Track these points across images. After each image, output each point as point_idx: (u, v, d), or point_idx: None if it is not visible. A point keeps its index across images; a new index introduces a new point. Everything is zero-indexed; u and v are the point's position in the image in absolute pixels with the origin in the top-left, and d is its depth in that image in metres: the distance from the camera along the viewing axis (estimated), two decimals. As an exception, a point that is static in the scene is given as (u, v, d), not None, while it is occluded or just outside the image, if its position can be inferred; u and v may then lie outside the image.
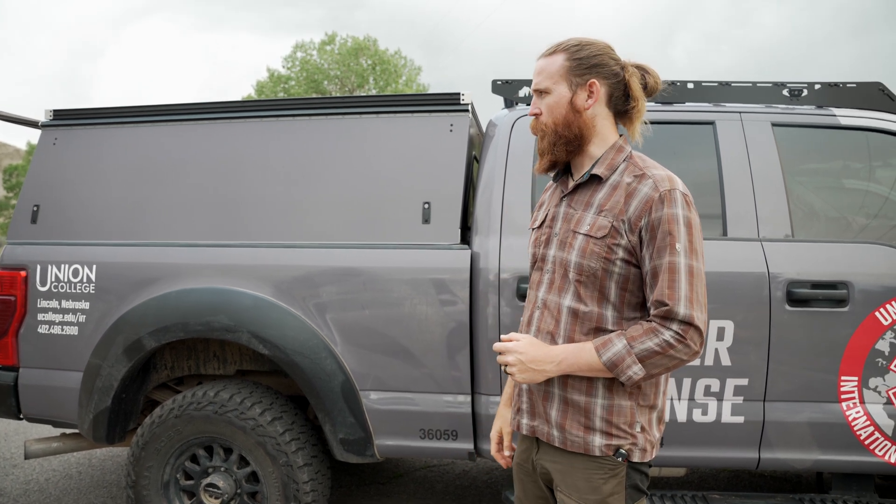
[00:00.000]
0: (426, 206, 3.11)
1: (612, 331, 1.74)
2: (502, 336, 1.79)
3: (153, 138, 3.42)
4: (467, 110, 3.22)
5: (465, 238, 3.14)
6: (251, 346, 3.01)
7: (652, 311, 1.68)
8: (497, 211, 3.07)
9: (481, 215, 3.10)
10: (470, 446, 3.02)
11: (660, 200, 1.69)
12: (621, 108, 1.86)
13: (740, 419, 2.87)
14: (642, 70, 1.84)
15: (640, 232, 1.70)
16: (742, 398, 2.87)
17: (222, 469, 3.15)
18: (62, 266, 3.28)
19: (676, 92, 3.27)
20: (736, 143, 3.05)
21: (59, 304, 3.27)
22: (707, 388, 2.88)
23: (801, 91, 3.17)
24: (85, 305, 3.24)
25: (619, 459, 1.73)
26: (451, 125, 3.20)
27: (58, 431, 4.67)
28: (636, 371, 1.66)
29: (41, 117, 3.59)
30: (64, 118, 3.53)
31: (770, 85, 3.20)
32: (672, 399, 2.89)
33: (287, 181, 3.25)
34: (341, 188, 3.19)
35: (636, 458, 1.74)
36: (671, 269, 1.66)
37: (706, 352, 2.86)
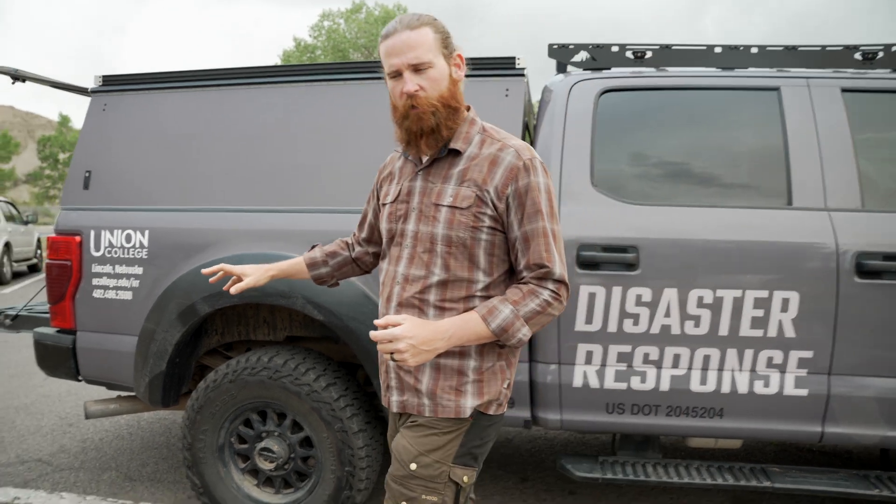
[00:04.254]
0: None
1: (482, 296, 1.75)
2: (377, 322, 1.58)
3: (204, 103, 3.24)
4: (523, 74, 3.02)
5: None
6: (305, 311, 2.86)
7: (528, 274, 1.73)
8: (556, 177, 2.88)
9: (539, 182, 2.92)
10: (527, 414, 2.87)
11: (524, 169, 1.71)
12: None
13: (804, 392, 2.69)
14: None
15: (508, 199, 1.72)
16: (806, 371, 2.69)
17: (276, 434, 3.02)
18: (115, 231, 3.13)
19: (738, 57, 3.05)
20: (802, 110, 2.83)
21: (113, 269, 3.13)
22: (769, 359, 2.69)
23: (876, 54, 2.93)
24: (138, 271, 3.10)
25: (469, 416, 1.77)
26: (507, 90, 3.00)
27: (112, 393, 4.60)
28: (525, 333, 1.69)
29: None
30: (113, 84, 3.36)
31: (841, 48, 2.96)
32: (733, 370, 2.72)
33: (339, 146, 3.06)
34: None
35: (492, 412, 1.80)
36: (544, 234, 1.71)
37: (769, 322, 2.68)
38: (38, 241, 17.25)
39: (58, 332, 3.30)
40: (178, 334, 2.99)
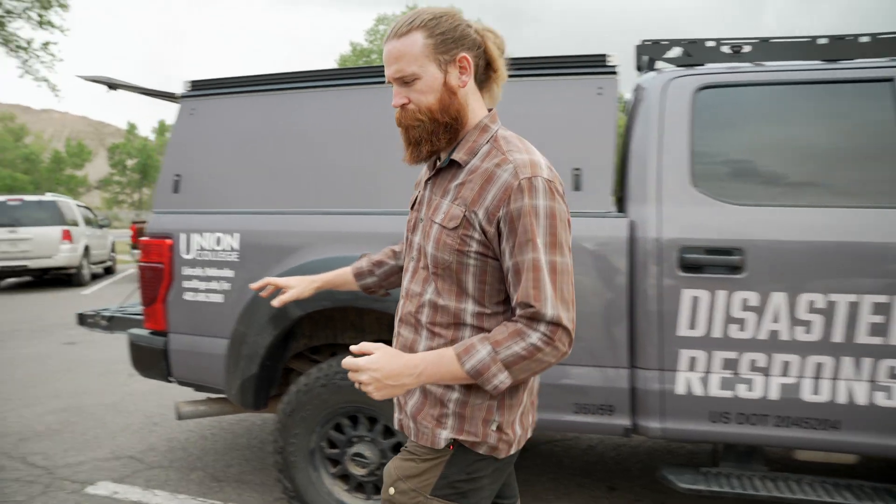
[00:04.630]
0: (576, 172, 2.83)
1: (475, 326, 1.54)
2: (353, 348, 1.47)
3: (291, 105, 3.23)
4: (615, 72, 2.90)
5: (619, 206, 2.85)
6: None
7: (518, 312, 1.46)
8: (653, 177, 2.76)
9: (637, 182, 2.80)
10: (627, 422, 2.75)
11: (519, 189, 1.44)
12: (482, 77, 1.61)
13: (930, 403, 2.51)
14: (490, 32, 1.60)
15: (499, 223, 1.46)
16: (932, 380, 2.51)
17: (367, 439, 2.98)
18: (205, 235, 3.14)
19: (845, 47, 2.87)
20: (920, 102, 2.65)
21: (204, 271, 3.14)
22: (891, 369, 2.52)
23: None
24: (229, 273, 3.10)
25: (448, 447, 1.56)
26: (600, 88, 2.89)
27: (201, 395, 4.65)
28: (502, 379, 1.44)
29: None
30: (201, 88, 3.37)
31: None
32: (849, 380, 2.55)
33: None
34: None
35: (482, 451, 1.54)
36: (535, 268, 1.43)
37: (891, 330, 2.51)
38: (113, 244, 17.81)
39: (151, 333, 3.33)
40: (270, 337, 2.97)
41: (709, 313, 2.61)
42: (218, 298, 3.12)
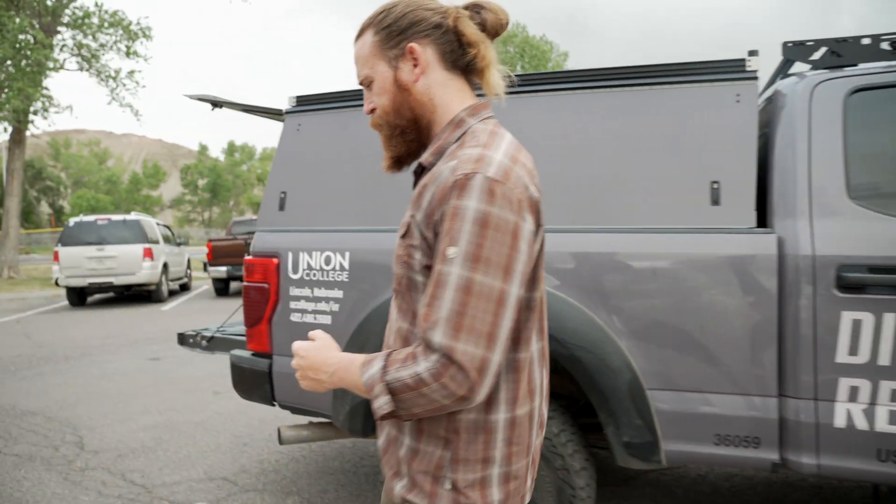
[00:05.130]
0: (715, 185, 2.58)
1: None
2: (310, 333, 1.35)
3: None
4: (755, 78, 2.65)
5: (762, 220, 2.59)
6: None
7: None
8: (803, 190, 2.49)
9: (782, 196, 2.53)
10: (775, 456, 2.47)
11: (452, 187, 1.15)
12: (462, 61, 1.30)
13: None
14: (475, 8, 1.30)
15: (435, 227, 1.18)
16: None
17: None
18: (313, 253, 3.01)
19: None
20: None
21: (312, 292, 3.00)
22: None
23: None
24: (338, 294, 2.95)
25: None
26: (738, 95, 2.64)
27: (296, 418, 4.54)
28: (382, 404, 1.16)
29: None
30: (307, 103, 3.25)
31: None
32: None
33: (559, 160, 2.80)
34: (617, 167, 2.71)
35: None
36: (437, 281, 1.13)
37: None
38: (189, 261, 18.19)
39: (254, 355, 3.21)
40: (383, 361, 2.80)
41: (874, 338, 2.32)
42: (326, 320, 2.97)
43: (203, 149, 70.95)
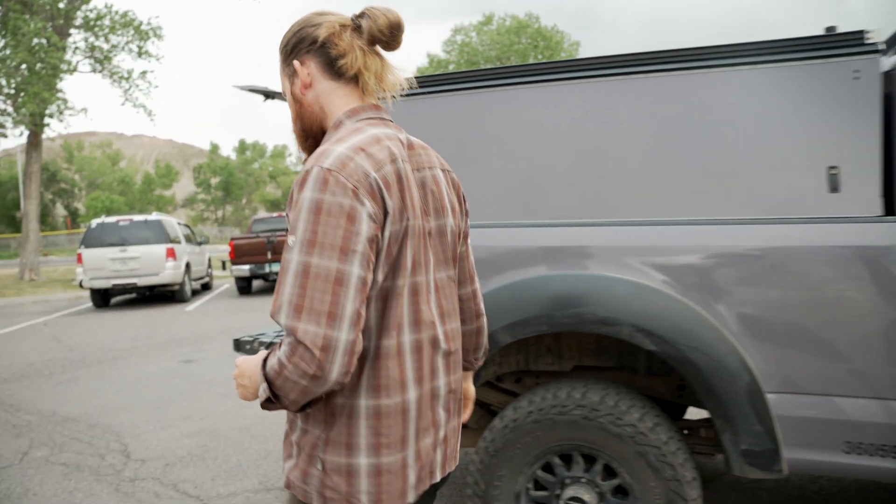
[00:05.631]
0: (833, 172, 2.36)
1: None
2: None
3: (532, 101, 2.80)
4: (877, 52, 2.42)
5: (889, 208, 2.37)
6: (633, 340, 2.38)
7: None
8: None
9: (914, 180, 2.32)
10: None
11: (297, 183, 1.24)
12: (340, 70, 1.38)
13: None
14: (357, 17, 1.37)
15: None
16: None
17: (583, 480, 2.57)
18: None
19: None
20: None
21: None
22: None
23: None
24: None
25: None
26: (857, 71, 2.42)
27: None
28: (262, 392, 1.23)
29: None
30: (424, 85, 2.96)
31: None
32: None
33: (662, 148, 2.58)
34: (724, 154, 2.50)
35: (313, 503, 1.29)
36: (282, 269, 1.21)
37: None
38: (209, 260, 18.06)
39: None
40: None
41: None
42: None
43: (214, 147, 70.88)
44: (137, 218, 14.36)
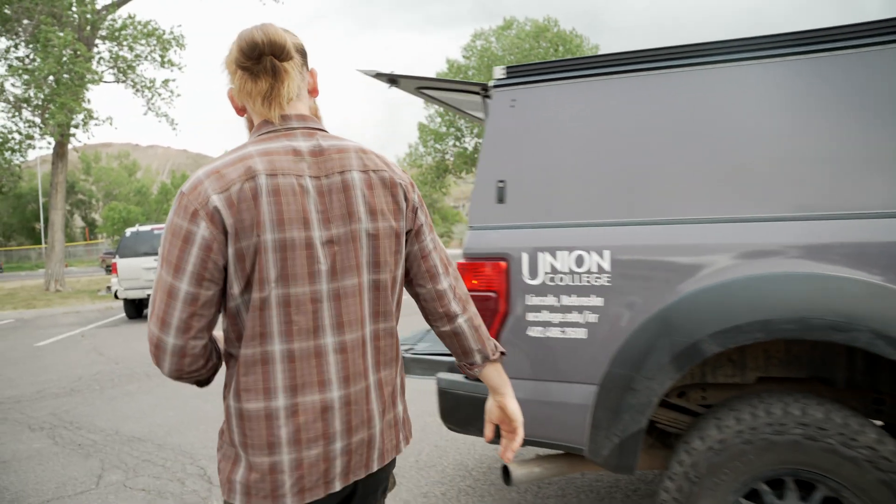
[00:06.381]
0: None
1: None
2: None
3: (647, 90, 2.50)
4: None
5: None
6: (873, 349, 2.02)
7: None
8: None
9: None
10: None
11: None
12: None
13: None
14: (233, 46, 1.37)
15: None
16: None
17: (799, 510, 2.22)
18: (558, 253, 2.46)
19: None
20: None
21: (558, 300, 2.45)
22: None
23: None
24: (597, 301, 2.40)
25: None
26: None
27: (438, 436, 4.02)
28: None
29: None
30: (520, 75, 2.70)
31: None
32: None
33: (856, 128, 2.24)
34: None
35: (224, 496, 1.37)
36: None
37: None
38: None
39: (472, 379, 2.66)
40: (670, 382, 2.25)
41: None
42: (580, 333, 2.42)
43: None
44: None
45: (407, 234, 1.48)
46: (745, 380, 2.52)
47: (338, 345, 1.35)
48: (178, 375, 1.34)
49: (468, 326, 1.57)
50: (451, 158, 36.31)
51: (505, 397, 1.62)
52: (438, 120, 35.42)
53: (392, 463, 1.53)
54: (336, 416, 1.35)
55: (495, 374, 1.62)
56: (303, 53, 1.44)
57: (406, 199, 1.47)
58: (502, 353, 1.64)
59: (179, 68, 23.01)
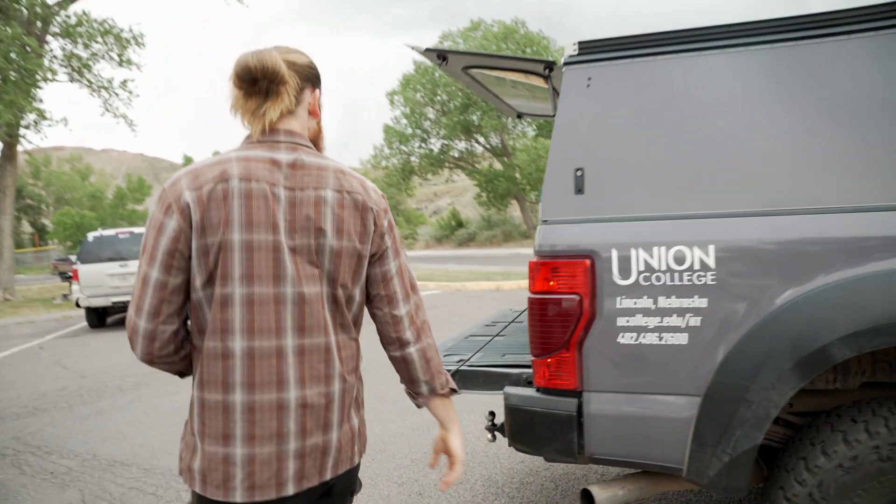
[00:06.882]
0: None
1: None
2: None
3: (762, 65, 2.19)
4: None
5: None
6: None
7: None
8: None
9: None
10: None
11: None
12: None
13: None
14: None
15: None
16: None
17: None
18: (654, 249, 2.17)
19: None
20: None
21: (654, 303, 2.17)
22: None
23: None
24: (700, 303, 2.12)
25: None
26: None
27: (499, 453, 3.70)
28: None
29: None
30: (596, 51, 2.41)
31: None
32: None
33: None
34: None
35: (185, 483, 1.47)
36: None
37: None
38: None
39: (544, 392, 2.37)
40: (792, 392, 1.99)
41: None
42: (679, 339, 2.15)
43: (188, 160, 69.14)
44: (138, 230, 13.42)
45: (371, 256, 1.53)
46: (847, 385, 2.28)
47: (298, 347, 1.40)
48: (150, 359, 1.44)
49: (419, 356, 1.59)
50: (417, 160, 36.00)
51: (450, 433, 1.64)
52: (404, 122, 35.08)
53: (356, 467, 1.57)
54: (291, 417, 1.40)
55: (441, 409, 1.64)
56: (306, 76, 1.50)
57: (375, 224, 1.51)
58: (452, 390, 1.65)
59: (139, 67, 22.22)
